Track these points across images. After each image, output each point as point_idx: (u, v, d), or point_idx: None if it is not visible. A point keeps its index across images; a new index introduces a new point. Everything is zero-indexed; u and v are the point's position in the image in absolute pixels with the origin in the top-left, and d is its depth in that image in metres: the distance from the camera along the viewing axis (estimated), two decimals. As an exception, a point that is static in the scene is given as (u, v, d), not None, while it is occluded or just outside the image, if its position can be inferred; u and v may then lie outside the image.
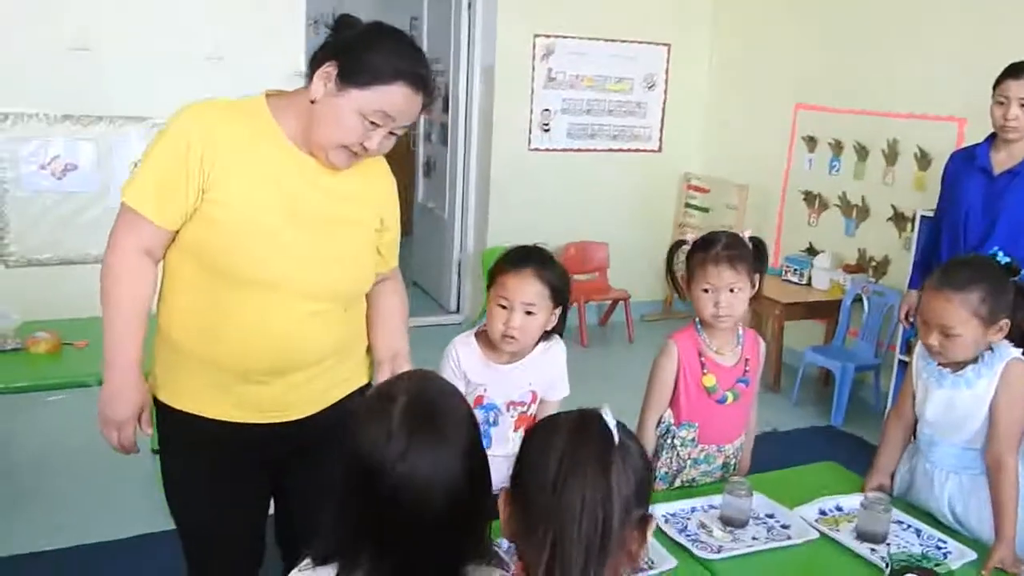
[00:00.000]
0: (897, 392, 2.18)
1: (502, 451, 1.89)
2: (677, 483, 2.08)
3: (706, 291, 1.99)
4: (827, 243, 4.87)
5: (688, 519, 1.92)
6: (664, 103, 5.68)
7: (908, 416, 2.06)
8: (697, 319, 2.05)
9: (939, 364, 1.93)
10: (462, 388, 1.83)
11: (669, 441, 2.05)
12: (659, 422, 2.06)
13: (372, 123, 1.53)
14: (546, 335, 1.94)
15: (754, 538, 1.86)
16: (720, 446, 2.08)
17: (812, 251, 4.94)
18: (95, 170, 4.24)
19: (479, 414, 1.87)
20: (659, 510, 1.93)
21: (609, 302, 5.63)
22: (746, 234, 2.05)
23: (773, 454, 2.43)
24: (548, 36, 5.22)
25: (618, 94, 5.52)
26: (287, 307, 1.59)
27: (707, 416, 2.04)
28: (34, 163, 4.14)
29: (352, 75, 1.51)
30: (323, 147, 1.57)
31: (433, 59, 6.26)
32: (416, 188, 6.47)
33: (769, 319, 4.67)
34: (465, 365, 1.85)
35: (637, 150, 5.68)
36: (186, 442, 1.68)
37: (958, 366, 1.91)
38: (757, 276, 2.02)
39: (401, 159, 7.38)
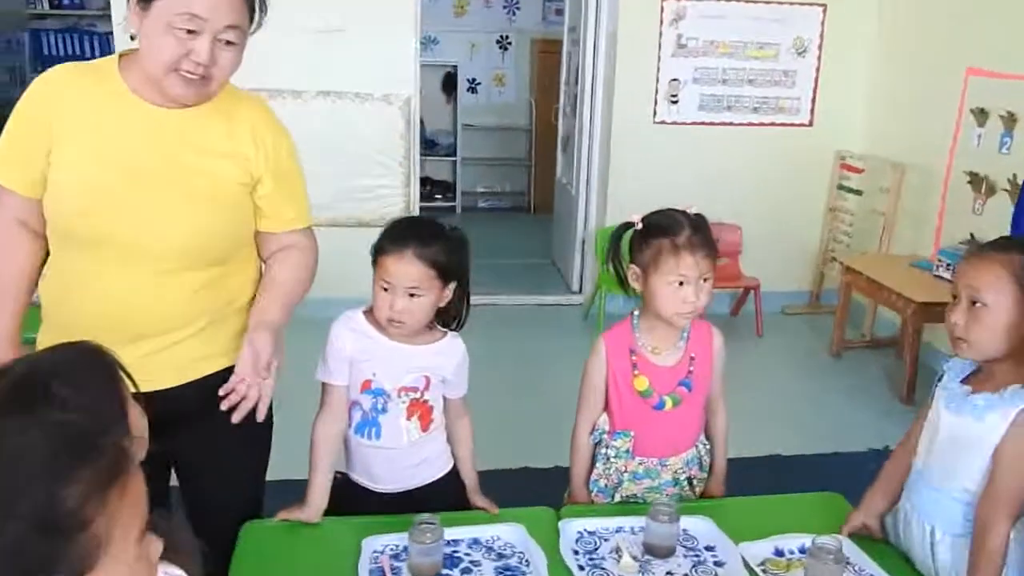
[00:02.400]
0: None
1: (393, 442, 1.73)
2: (617, 498, 1.82)
3: (679, 284, 1.70)
4: (993, 234, 4.07)
5: (605, 540, 1.67)
6: (817, 71, 5.07)
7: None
8: (635, 311, 1.76)
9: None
10: (347, 372, 1.69)
11: (603, 451, 1.79)
12: (593, 429, 1.81)
13: (187, 31, 1.43)
14: (446, 323, 1.75)
15: (669, 573, 1.58)
16: (663, 459, 1.78)
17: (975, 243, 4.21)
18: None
19: (366, 400, 1.72)
20: (577, 525, 1.70)
21: (740, 290, 5.16)
22: (691, 210, 1.73)
23: (869, 475, 1.95)
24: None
25: (760, 61, 4.99)
26: (129, 268, 1.54)
27: (643, 424, 1.75)
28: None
29: None
30: (156, 79, 1.49)
31: (571, 27, 6.01)
32: (556, 163, 6.33)
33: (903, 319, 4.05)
34: (351, 348, 1.68)
35: (783, 124, 5.12)
36: None
37: (980, 383, 1.55)
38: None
39: (546, 133, 7.29)
